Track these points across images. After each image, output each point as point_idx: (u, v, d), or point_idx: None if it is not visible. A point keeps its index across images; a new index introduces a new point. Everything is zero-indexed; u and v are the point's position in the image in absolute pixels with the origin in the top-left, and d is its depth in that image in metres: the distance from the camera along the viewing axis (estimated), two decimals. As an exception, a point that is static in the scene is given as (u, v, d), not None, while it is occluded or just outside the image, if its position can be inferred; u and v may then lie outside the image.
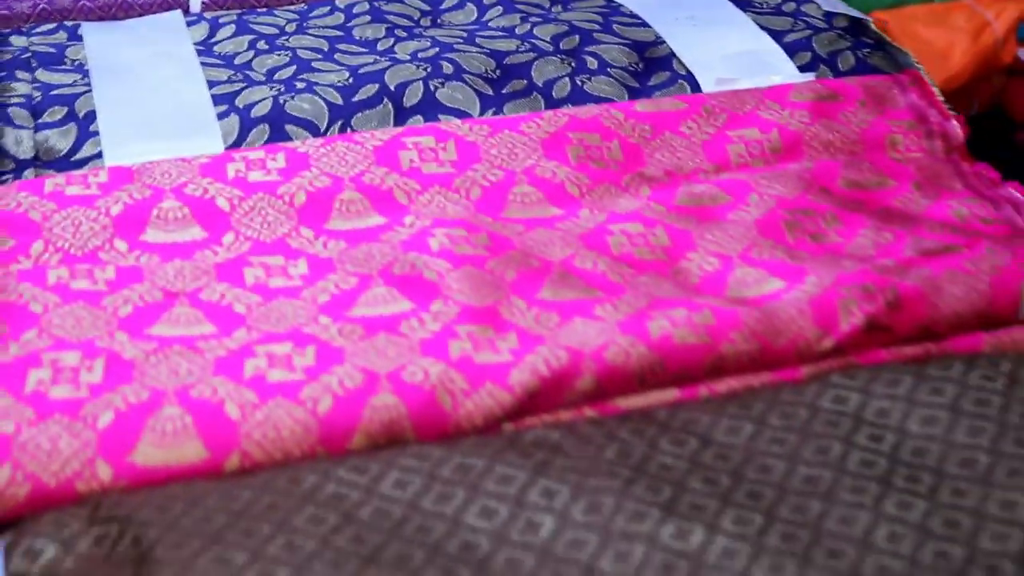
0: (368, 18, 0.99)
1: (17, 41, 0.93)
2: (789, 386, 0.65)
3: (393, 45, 0.94)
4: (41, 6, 1.02)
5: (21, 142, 0.82)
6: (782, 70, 0.90)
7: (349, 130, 0.83)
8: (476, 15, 1.00)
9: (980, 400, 0.62)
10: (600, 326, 0.66)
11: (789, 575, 0.54)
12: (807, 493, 0.58)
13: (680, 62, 0.91)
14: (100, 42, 0.93)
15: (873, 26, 0.98)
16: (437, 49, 0.92)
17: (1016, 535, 0.56)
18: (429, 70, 0.88)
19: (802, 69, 0.90)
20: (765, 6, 1.00)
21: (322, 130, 0.83)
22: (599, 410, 0.65)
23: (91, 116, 0.83)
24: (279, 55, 0.92)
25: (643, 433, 0.61)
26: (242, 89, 0.86)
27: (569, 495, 0.58)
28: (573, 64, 0.90)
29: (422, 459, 0.59)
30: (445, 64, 0.88)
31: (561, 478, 0.58)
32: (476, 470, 0.59)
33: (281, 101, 0.84)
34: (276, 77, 0.88)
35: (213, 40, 0.95)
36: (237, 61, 0.91)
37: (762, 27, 0.96)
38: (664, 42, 0.93)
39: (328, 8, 1.01)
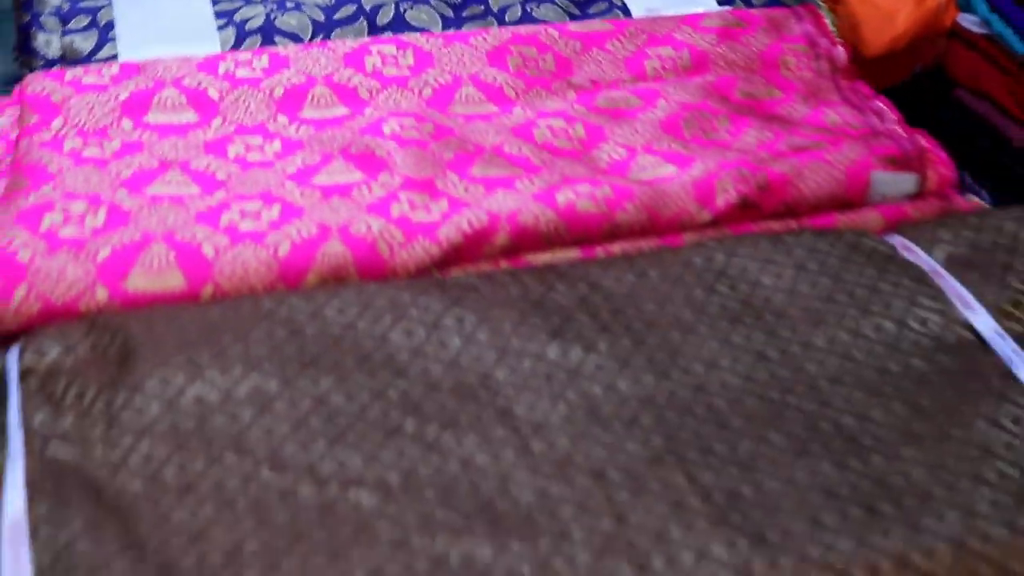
0: None
1: (52, -39, 1.00)
2: (670, 249, 0.72)
3: None
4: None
5: (50, 44, 0.88)
6: (704, 2, 0.96)
7: (328, 41, 0.90)
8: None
9: (822, 261, 0.69)
10: (517, 195, 0.73)
11: (647, 385, 0.61)
12: (671, 327, 0.65)
13: (618, -7, 0.97)
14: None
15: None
16: (411, -22, 0.98)
17: (834, 361, 0.63)
18: None
19: (720, 3, 0.96)
20: None
21: (305, 41, 0.89)
22: (512, 263, 0.72)
23: (110, 25, 0.89)
24: None
25: (544, 279, 0.68)
26: (241, 7, 0.92)
27: (476, 321, 0.64)
28: (528, -7, 0.96)
29: (360, 292, 0.66)
30: (416, -10, 0.95)
31: (471, 309, 0.65)
32: (403, 301, 0.65)
33: (272, 16, 0.90)
34: (271, -1, 0.95)
35: None
36: (239, -16, 0.98)
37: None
38: (607, -24, 0.99)
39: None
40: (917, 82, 1.17)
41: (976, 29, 1.11)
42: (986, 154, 1.06)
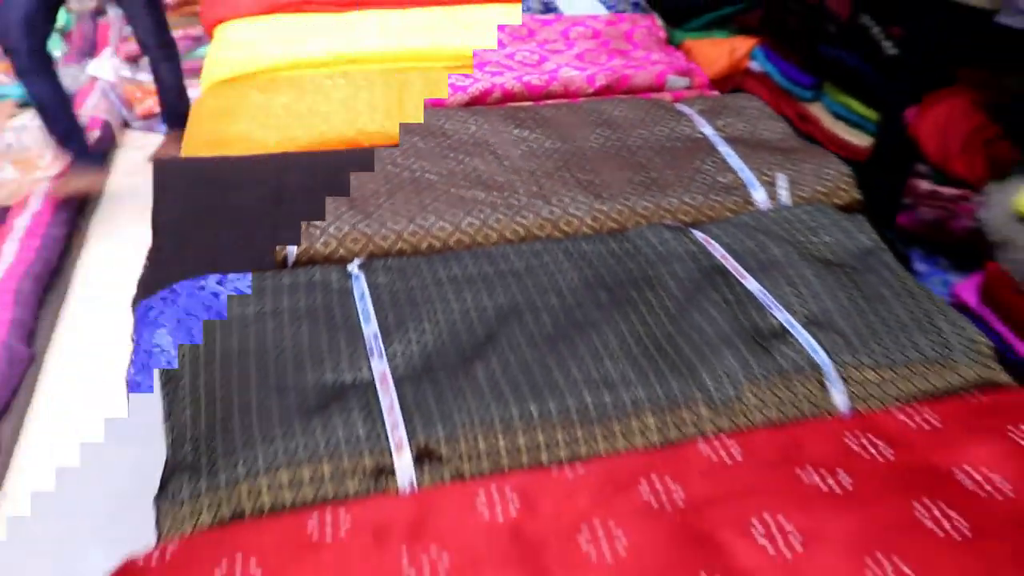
0: None
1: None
2: (572, 103, 0.99)
3: None
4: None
5: None
6: (596, 8, 1.22)
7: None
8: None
9: (641, 107, 0.95)
10: (503, 77, 0.98)
11: (556, 144, 0.88)
12: (568, 126, 0.88)
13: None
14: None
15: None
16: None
17: (639, 141, 0.88)
18: None
19: (608, 8, 1.22)
20: None
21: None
22: (500, 106, 0.96)
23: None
24: None
25: (515, 109, 0.93)
26: None
27: (482, 121, 0.90)
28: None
29: (433, 112, 0.94)
30: None
31: (481, 116, 0.90)
32: (452, 113, 0.91)
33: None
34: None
35: None
36: None
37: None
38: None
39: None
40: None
41: (758, 69, 1.28)
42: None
